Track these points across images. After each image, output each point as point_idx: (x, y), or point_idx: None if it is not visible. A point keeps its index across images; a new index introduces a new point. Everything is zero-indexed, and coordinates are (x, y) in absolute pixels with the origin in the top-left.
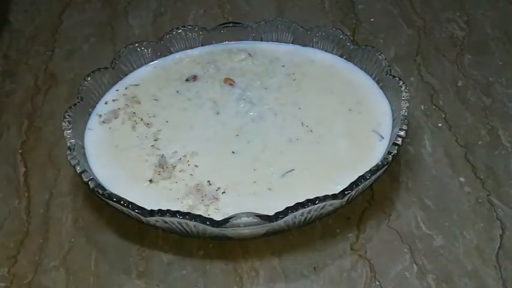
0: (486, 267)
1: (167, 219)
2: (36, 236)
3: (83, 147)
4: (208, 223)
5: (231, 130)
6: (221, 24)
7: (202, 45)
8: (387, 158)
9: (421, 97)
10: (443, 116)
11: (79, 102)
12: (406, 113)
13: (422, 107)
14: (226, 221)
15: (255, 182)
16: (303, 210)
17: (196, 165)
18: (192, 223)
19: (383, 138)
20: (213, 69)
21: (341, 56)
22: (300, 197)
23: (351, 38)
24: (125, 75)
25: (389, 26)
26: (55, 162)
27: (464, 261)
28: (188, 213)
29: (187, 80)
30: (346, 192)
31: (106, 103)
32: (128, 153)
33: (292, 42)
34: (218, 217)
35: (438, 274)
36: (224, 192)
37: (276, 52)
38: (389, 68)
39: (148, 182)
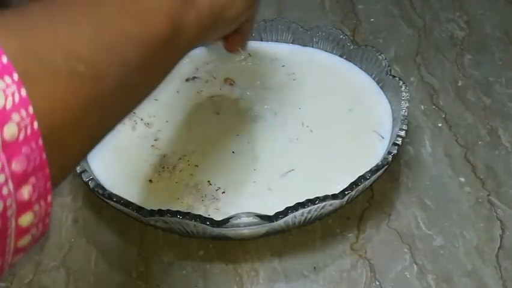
0: (486, 267)
1: (167, 219)
2: None
3: None
4: (208, 223)
5: (231, 130)
6: None
7: (202, 45)
8: (387, 158)
9: (421, 97)
10: (443, 116)
11: None
12: (406, 113)
13: (422, 107)
14: (226, 221)
15: (255, 182)
16: (303, 210)
17: (196, 165)
18: (191, 223)
19: (383, 138)
20: (213, 69)
21: (341, 56)
22: (300, 197)
23: (351, 38)
24: None
25: (389, 26)
26: None
27: (464, 261)
28: (188, 213)
29: (187, 80)
30: (346, 192)
31: None
32: (128, 153)
33: (292, 42)
34: (218, 217)
35: (438, 274)
36: (224, 192)
37: (276, 52)
38: (389, 68)
39: (148, 182)
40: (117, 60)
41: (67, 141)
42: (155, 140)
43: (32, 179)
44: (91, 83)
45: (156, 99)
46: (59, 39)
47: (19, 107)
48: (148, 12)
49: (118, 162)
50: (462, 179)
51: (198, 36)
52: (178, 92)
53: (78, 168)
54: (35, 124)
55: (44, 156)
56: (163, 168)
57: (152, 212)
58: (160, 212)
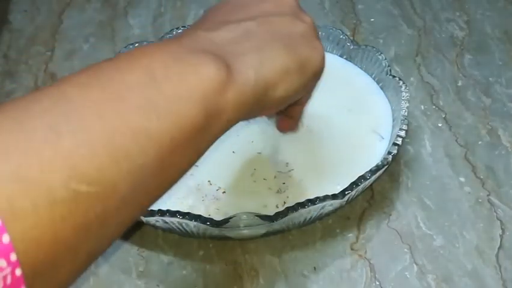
0: (486, 267)
1: (167, 219)
2: None
3: None
4: (208, 223)
5: (231, 130)
6: None
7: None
8: (387, 158)
9: (421, 97)
10: (443, 116)
11: None
12: (406, 113)
13: (422, 107)
14: (226, 221)
15: (255, 181)
16: (303, 210)
17: (196, 165)
18: (192, 223)
19: (383, 138)
20: None
21: (341, 56)
22: (300, 197)
23: (351, 38)
24: None
25: (389, 26)
26: None
27: (464, 261)
28: (188, 213)
29: None
30: (346, 192)
31: None
32: None
33: None
34: (218, 217)
35: (438, 274)
36: (224, 192)
37: None
38: (389, 68)
39: None
40: (131, 168)
41: (59, 272)
42: None
43: None
44: (94, 203)
45: None
46: (59, 157)
47: None
48: (175, 101)
49: None
50: (462, 179)
51: (235, 118)
52: None
53: None
54: (18, 271)
55: None
56: None
57: (152, 212)
58: (160, 212)
